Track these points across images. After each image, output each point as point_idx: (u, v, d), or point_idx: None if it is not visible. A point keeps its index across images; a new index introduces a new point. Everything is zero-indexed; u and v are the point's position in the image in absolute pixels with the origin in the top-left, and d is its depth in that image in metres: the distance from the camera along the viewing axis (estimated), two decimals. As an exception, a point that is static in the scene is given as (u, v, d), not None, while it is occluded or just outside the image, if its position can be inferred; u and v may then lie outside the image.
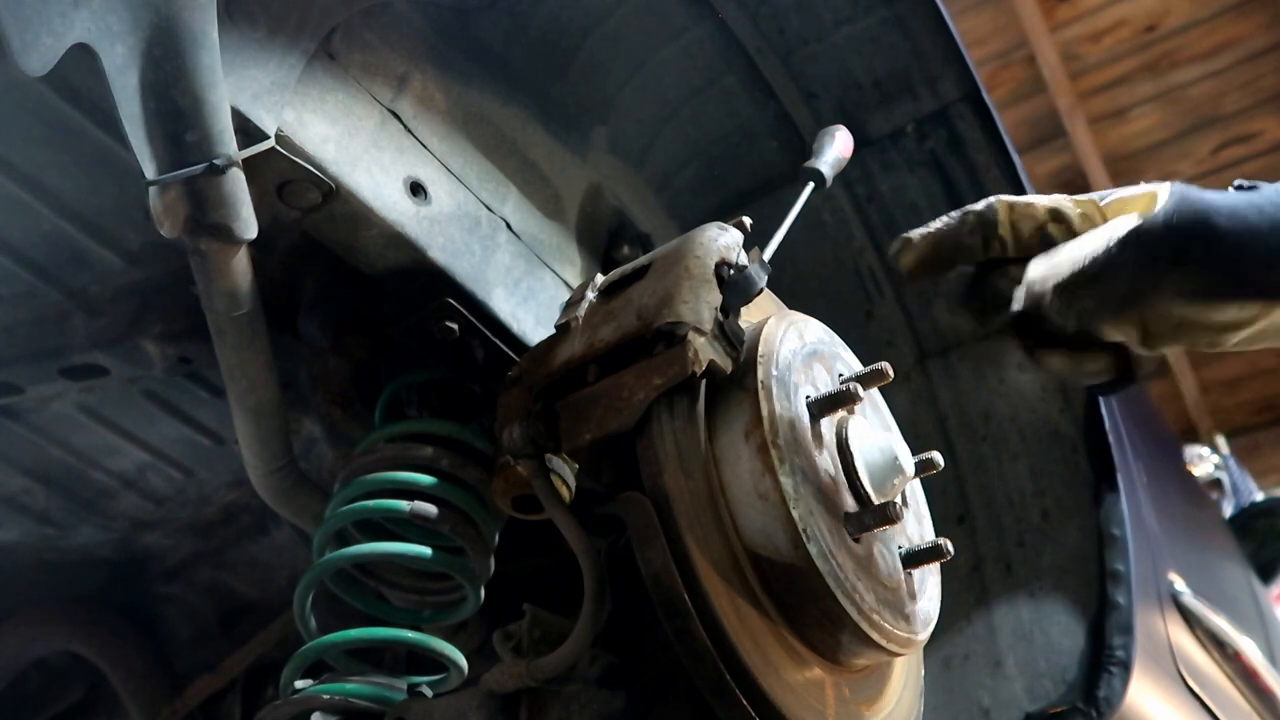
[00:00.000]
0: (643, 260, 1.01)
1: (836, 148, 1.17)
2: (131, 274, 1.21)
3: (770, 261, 1.00)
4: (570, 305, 1.02)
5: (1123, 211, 0.91)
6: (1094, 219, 0.94)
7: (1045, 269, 0.86)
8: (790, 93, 1.48)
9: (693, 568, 0.84)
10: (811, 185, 1.12)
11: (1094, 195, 0.95)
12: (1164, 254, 0.82)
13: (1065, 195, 0.96)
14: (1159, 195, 0.87)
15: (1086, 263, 0.84)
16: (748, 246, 1.01)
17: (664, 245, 1.02)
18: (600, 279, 1.04)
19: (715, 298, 0.92)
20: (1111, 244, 0.83)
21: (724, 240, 0.98)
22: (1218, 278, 0.82)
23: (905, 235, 0.96)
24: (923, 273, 0.96)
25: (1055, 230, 0.94)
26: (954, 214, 0.96)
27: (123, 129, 0.86)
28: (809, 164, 1.14)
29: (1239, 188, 0.88)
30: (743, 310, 0.97)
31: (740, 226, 1.02)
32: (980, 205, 0.96)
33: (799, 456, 0.89)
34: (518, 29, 1.26)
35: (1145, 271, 0.82)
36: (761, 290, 0.97)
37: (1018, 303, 0.89)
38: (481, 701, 1.00)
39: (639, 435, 0.89)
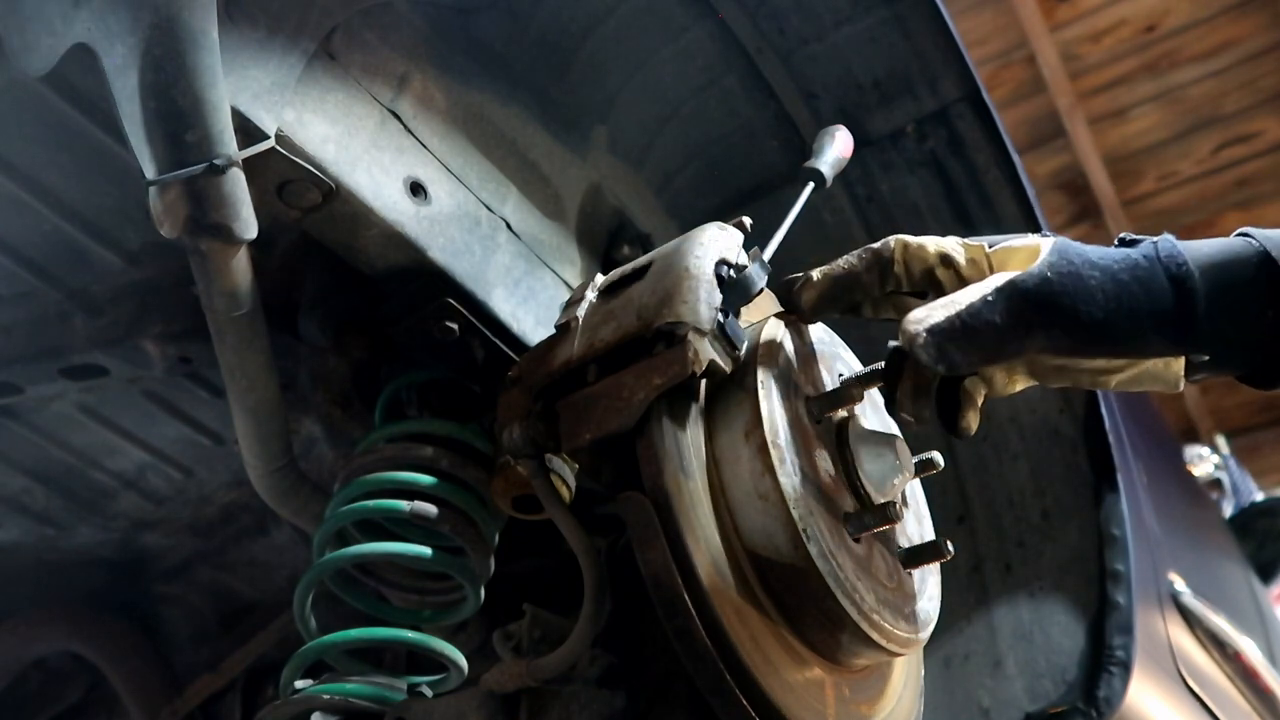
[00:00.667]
0: (642, 260, 1.01)
1: (836, 147, 1.17)
2: (131, 274, 1.21)
3: (770, 261, 1.01)
4: (570, 305, 1.02)
5: (1006, 263, 0.94)
6: (980, 266, 0.96)
7: (923, 313, 0.87)
8: (790, 93, 1.48)
9: (693, 568, 0.84)
10: (811, 185, 1.12)
11: (984, 241, 0.97)
12: (1031, 314, 0.85)
13: (957, 239, 0.98)
14: (1041, 249, 0.89)
15: (961, 312, 0.86)
16: (748, 246, 1.01)
17: (664, 245, 1.02)
18: (600, 279, 1.04)
19: (715, 297, 0.92)
20: (987, 297, 0.86)
21: (724, 240, 0.98)
22: (1082, 338, 0.85)
23: (806, 273, 0.98)
24: (823, 308, 0.99)
25: (943, 274, 0.97)
26: (854, 253, 0.99)
27: (123, 129, 0.86)
28: (809, 164, 1.14)
29: (1121, 242, 0.90)
30: (743, 310, 0.97)
31: (740, 226, 1.02)
32: (878, 244, 0.99)
33: (799, 456, 0.89)
34: (518, 29, 1.26)
35: (1015, 328, 0.85)
36: (762, 290, 0.97)
37: (896, 342, 0.91)
38: (481, 701, 1.00)
39: (639, 435, 0.89)
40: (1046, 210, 4.14)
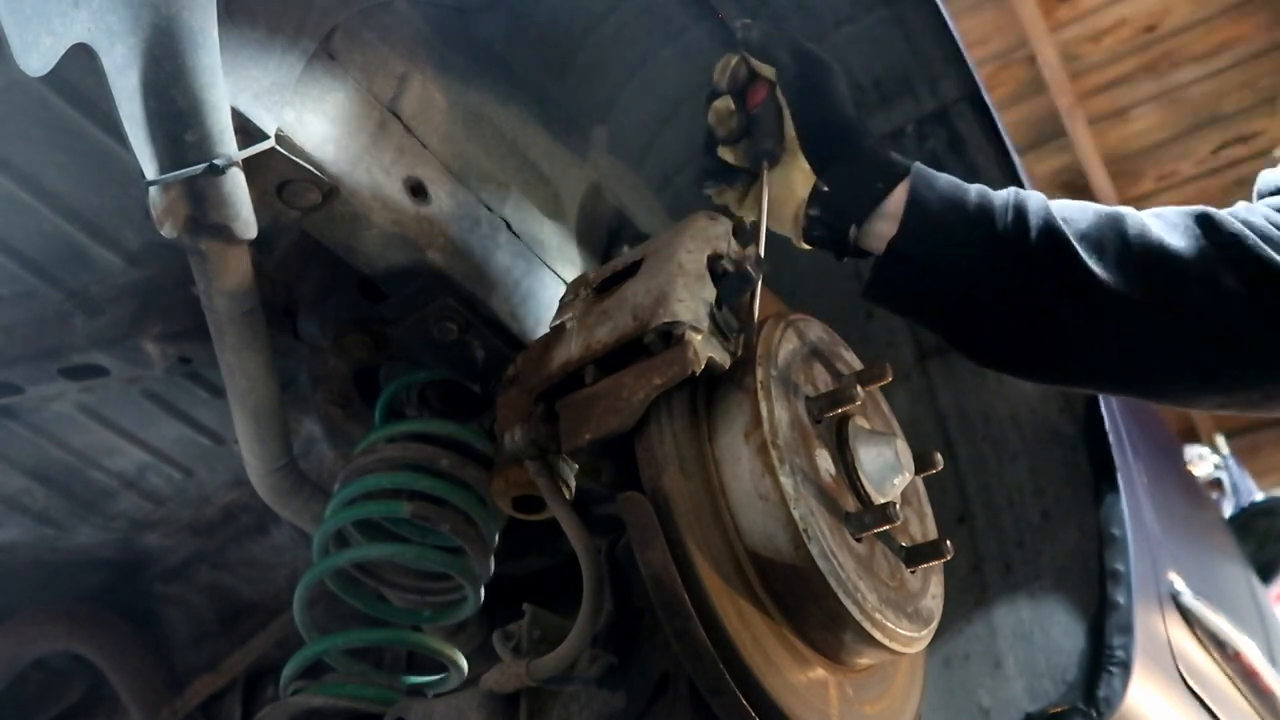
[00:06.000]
0: (634, 255, 1.01)
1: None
2: (131, 274, 1.21)
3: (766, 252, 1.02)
4: (564, 305, 1.02)
5: None
6: None
7: None
8: (790, 93, 1.48)
9: (693, 568, 0.83)
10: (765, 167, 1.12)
11: None
12: None
13: None
14: None
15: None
16: (745, 244, 1.01)
17: (654, 238, 1.02)
18: (593, 276, 1.03)
19: (710, 293, 0.92)
20: None
21: (714, 231, 0.98)
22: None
23: None
24: None
25: None
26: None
27: (123, 129, 0.86)
28: (757, 142, 1.13)
29: None
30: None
31: (740, 226, 1.02)
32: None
33: (799, 457, 0.89)
34: (518, 29, 1.26)
35: None
36: (757, 285, 0.97)
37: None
38: (481, 701, 1.00)
39: (638, 436, 0.89)
40: (1046, 210, 4.12)
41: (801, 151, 1.07)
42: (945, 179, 1.04)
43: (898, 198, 1.02)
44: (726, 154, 1.12)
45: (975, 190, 1.03)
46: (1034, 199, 1.02)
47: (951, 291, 1.01)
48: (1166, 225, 0.98)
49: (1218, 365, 0.98)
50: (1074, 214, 1.00)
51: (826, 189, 1.05)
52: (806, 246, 1.11)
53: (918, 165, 1.04)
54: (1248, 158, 4.64)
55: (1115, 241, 0.98)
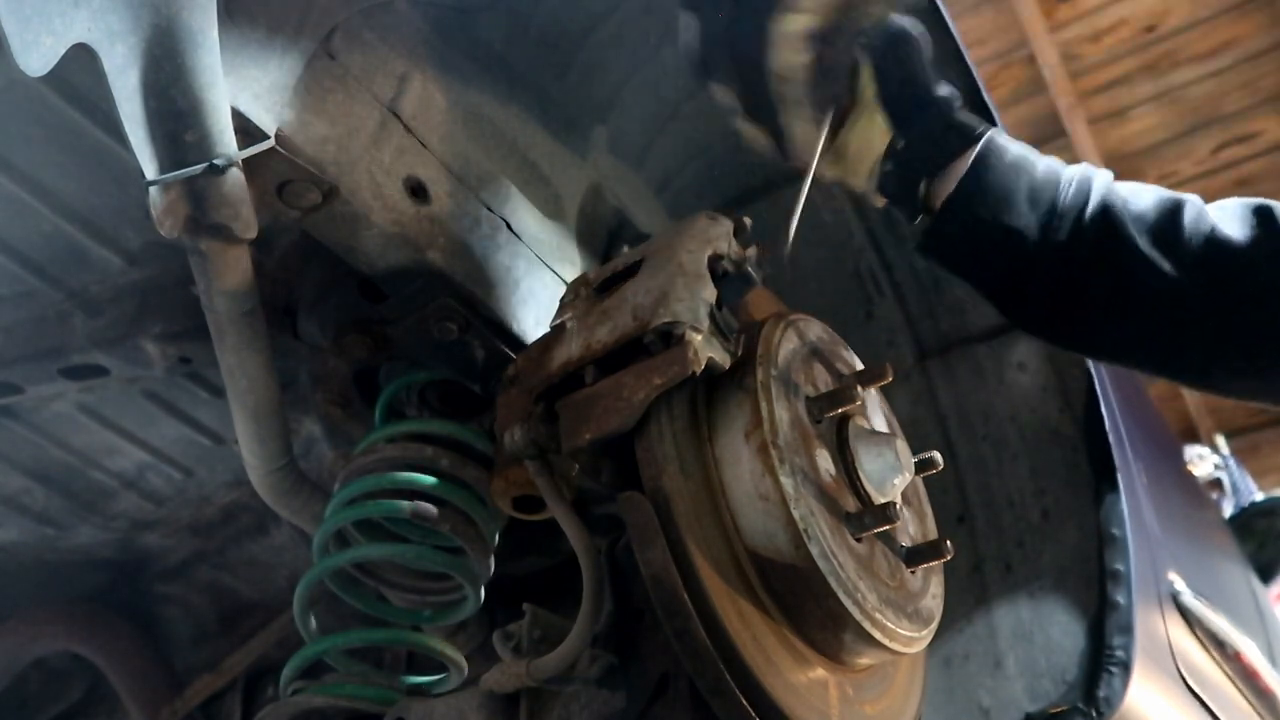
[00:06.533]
0: (634, 255, 1.01)
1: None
2: (131, 274, 1.21)
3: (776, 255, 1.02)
4: (564, 305, 1.02)
5: None
6: None
7: None
8: (790, 93, 1.48)
9: (693, 568, 0.84)
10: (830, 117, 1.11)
11: None
12: None
13: None
14: None
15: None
16: (745, 244, 1.01)
17: (654, 238, 1.02)
18: (593, 275, 1.03)
19: (710, 293, 0.92)
20: None
21: (714, 231, 0.98)
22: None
23: None
24: None
25: None
26: None
27: (123, 129, 0.86)
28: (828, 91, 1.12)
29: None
30: (744, 310, 0.97)
31: (740, 226, 1.02)
32: None
33: (799, 457, 0.89)
34: (518, 29, 1.26)
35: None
36: (757, 285, 0.97)
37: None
38: (481, 701, 1.00)
39: (638, 436, 0.89)
40: (1046, 210, 4.11)
41: (882, 108, 1.07)
42: (1018, 147, 1.06)
43: (968, 157, 1.04)
44: (788, 88, 1.06)
45: (1044, 163, 1.06)
46: (1100, 176, 1.04)
47: (1004, 252, 1.03)
48: (1225, 215, 1.00)
49: (1260, 356, 0.99)
50: (1135, 195, 1.02)
51: (902, 145, 1.06)
52: (881, 202, 1.13)
53: (995, 130, 1.06)
54: (1248, 158, 4.64)
55: (1170, 227, 0.99)
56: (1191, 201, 1.01)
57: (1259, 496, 4.17)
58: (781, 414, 0.90)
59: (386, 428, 1.18)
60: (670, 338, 0.89)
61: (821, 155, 1.10)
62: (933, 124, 1.06)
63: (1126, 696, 1.42)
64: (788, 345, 0.96)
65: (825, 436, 0.95)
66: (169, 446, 1.46)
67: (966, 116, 1.07)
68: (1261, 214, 0.99)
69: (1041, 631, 1.53)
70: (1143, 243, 0.99)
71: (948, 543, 0.95)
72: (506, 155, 1.24)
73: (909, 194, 1.08)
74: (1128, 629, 1.45)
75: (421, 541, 1.15)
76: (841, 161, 1.13)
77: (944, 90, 1.08)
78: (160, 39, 0.82)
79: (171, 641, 1.79)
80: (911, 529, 1.03)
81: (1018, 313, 1.09)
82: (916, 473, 1.00)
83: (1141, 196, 1.02)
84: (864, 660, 0.93)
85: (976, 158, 1.03)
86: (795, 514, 0.85)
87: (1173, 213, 1.00)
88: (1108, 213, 1.00)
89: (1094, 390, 1.55)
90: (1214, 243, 0.98)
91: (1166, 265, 0.98)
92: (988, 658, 1.56)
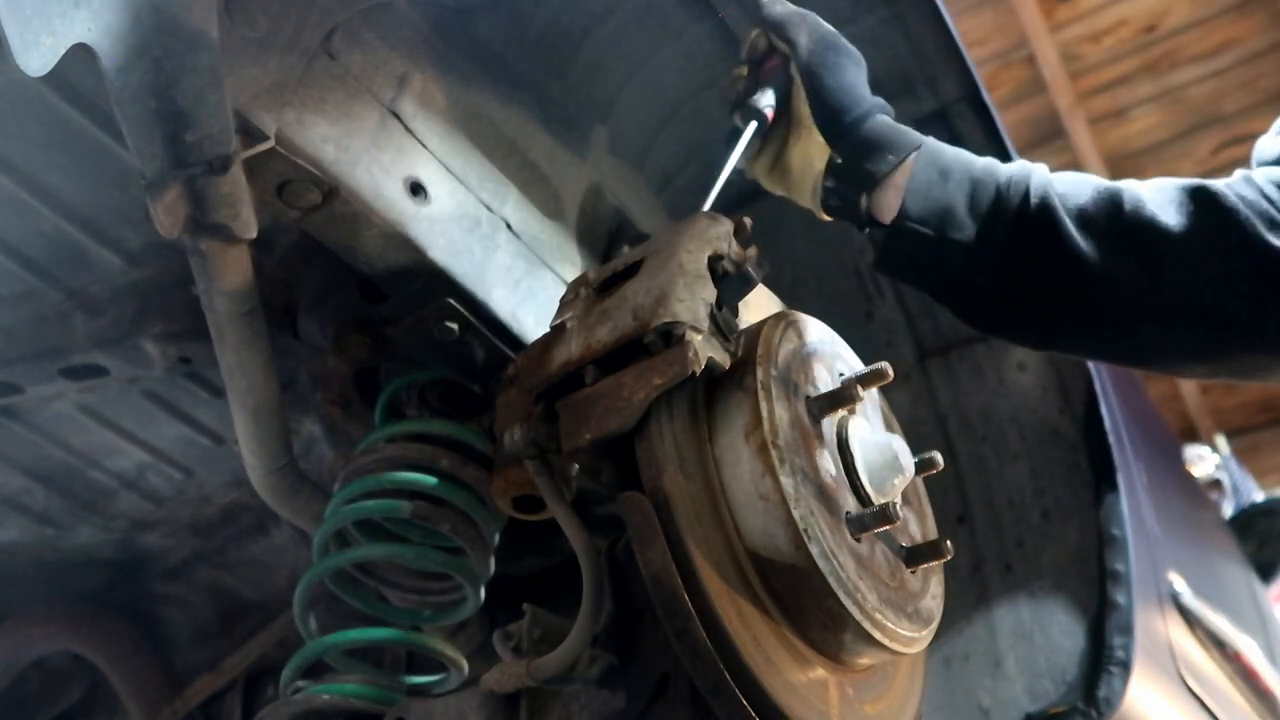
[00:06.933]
0: (634, 255, 1.01)
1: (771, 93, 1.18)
2: (131, 274, 1.21)
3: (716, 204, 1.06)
4: (564, 305, 1.02)
5: None
6: None
7: None
8: (790, 93, 1.48)
9: (693, 568, 0.83)
10: (754, 125, 1.13)
11: None
12: None
13: None
14: None
15: None
16: (745, 244, 1.01)
17: (654, 238, 1.02)
18: (593, 275, 1.03)
19: (710, 293, 0.92)
20: None
21: (714, 231, 0.98)
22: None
23: None
24: None
25: None
26: None
27: (123, 129, 0.86)
28: (751, 101, 1.14)
29: None
30: (743, 309, 0.97)
31: (740, 227, 1.02)
32: None
33: (799, 457, 0.89)
34: (518, 29, 1.26)
35: None
36: (757, 285, 0.97)
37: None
38: (481, 701, 1.00)
39: (638, 436, 0.89)
40: (1046, 210, 4.11)
41: (815, 125, 1.10)
42: (953, 153, 1.08)
43: (906, 170, 1.05)
44: (736, 118, 1.16)
45: (981, 164, 1.07)
46: (1038, 173, 1.05)
47: (952, 262, 1.05)
48: (1162, 201, 1.00)
49: (1203, 340, 1.00)
50: (1073, 189, 1.03)
51: (840, 160, 1.08)
52: (827, 218, 1.15)
53: (929, 139, 1.08)
54: (1248, 158, 4.63)
55: (1107, 217, 1.00)
56: (1129, 190, 1.02)
57: (1259, 496, 4.17)
58: (781, 414, 0.90)
59: (386, 428, 1.18)
60: (670, 338, 0.89)
61: (752, 165, 1.19)
62: (865, 138, 1.08)
63: (1126, 696, 1.42)
64: (788, 345, 0.96)
65: (825, 436, 0.95)
66: (169, 446, 1.46)
67: (898, 129, 1.09)
68: (1196, 196, 0.99)
69: (1041, 631, 1.53)
70: (1080, 237, 1.00)
71: (948, 543, 0.95)
72: (506, 155, 1.24)
73: (851, 209, 1.10)
74: (1128, 629, 1.45)
75: (421, 541, 1.15)
76: (786, 179, 1.18)
77: (875, 103, 1.10)
78: (160, 39, 0.82)
79: (171, 641, 1.79)
80: (911, 529, 1.03)
81: (973, 317, 1.10)
82: (916, 473, 1.00)
83: (1079, 189, 1.03)
84: (864, 660, 0.93)
85: (913, 175, 1.05)
86: (795, 514, 0.85)
87: (1110, 203, 1.01)
88: (1046, 210, 1.01)
89: (1094, 390, 1.55)
90: (1150, 229, 0.98)
91: (1105, 256, 0.99)
92: (988, 658, 1.56)
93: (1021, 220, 1.02)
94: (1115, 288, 0.99)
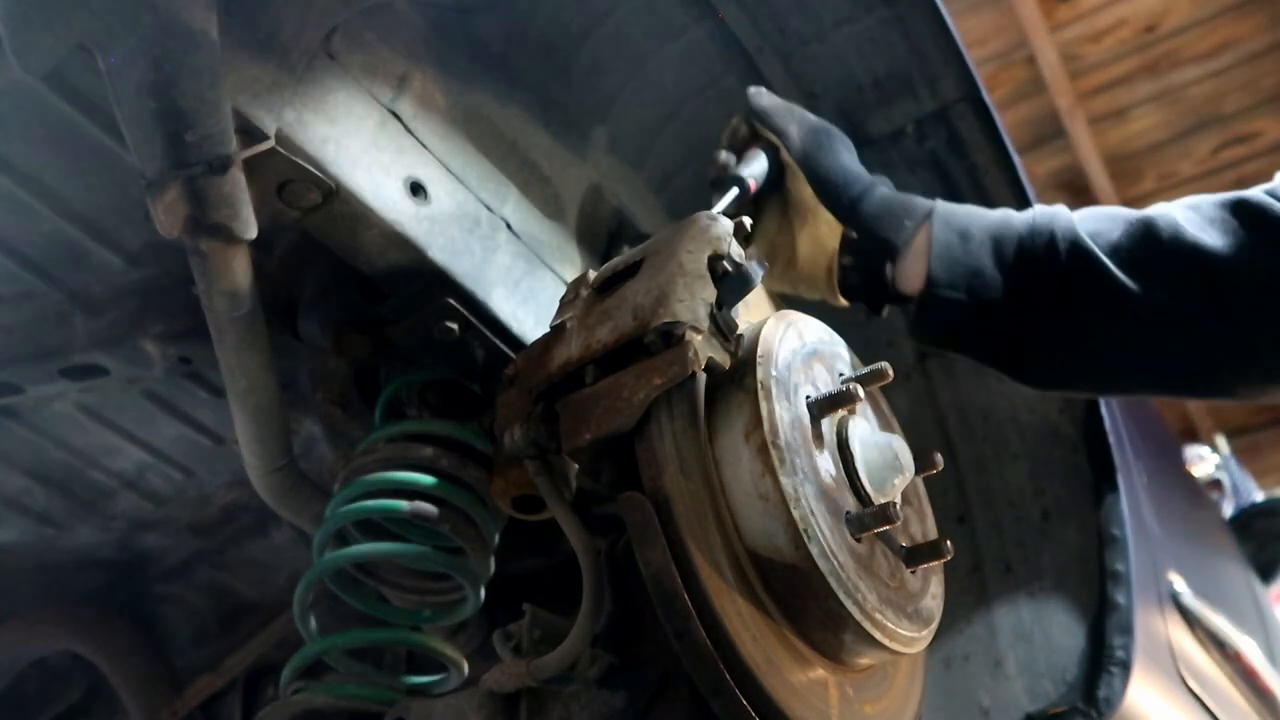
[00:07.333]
0: (634, 255, 1.01)
1: (758, 165, 1.19)
2: (131, 274, 1.21)
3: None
4: (564, 305, 1.02)
5: None
6: None
7: None
8: (790, 93, 1.48)
9: (693, 568, 0.83)
10: (735, 190, 1.14)
11: None
12: None
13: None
14: None
15: None
16: (745, 244, 1.01)
17: (654, 238, 1.02)
18: (593, 275, 1.03)
19: (710, 293, 0.92)
20: None
21: (714, 231, 0.98)
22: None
23: None
24: None
25: None
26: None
27: (123, 129, 0.86)
28: (733, 170, 1.16)
29: None
30: (743, 309, 0.97)
31: (740, 228, 1.02)
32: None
33: (799, 457, 0.89)
34: (518, 29, 1.26)
35: None
36: (757, 285, 0.97)
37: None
38: (481, 701, 1.00)
39: (638, 436, 0.89)
40: (1046, 210, 4.12)
41: (823, 205, 1.08)
42: (965, 211, 1.05)
43: (925, 234, 1.03)
44: (714, 195, 1.15)
45: (996, 218, 1.04)
46: (1060, 218, 1.01)
47: (992, 326, 1.01)
48: (1202, 222, 0.96)
49: (1269, 359, 0.96)
50: (1104, 226, 0.99)
51: (855, 235, 1.06)
52: (844, 302, 1.12)
53: (939, 202, 1.06)
54: (1248, 158, 4.64)
55: (1149, 251, 0.96)
56: (1163, 217, 0.98)
57: (1259, 496, 4.17)
58: (781, 414, 0.90)
59: (386, 428, 1.18)
60: (670, 338, 0.89)
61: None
62: (878, 209, 1.06)
63: (1126, 696, 1.42)
64: (788, 345, 0.96)
65: (825, 436, 0.95)
66: (169, 446, 1.46)
67: (907, 197, 1.07)
68: (1240, 211, 0.95)
69: (1041, 631, 1.53)
70: (1123, 275, 0.96)
71: (948, 543, 0.95)
72: (506, 155, 1.24)
73: (876, 281, 1.07)
74: (1128, 629, 1.45)
75: (421, 541, 1.15)
76: (793, 270, 1.14)
77: (877, 177, 1.09)
78: (160, 39, 0.82)
79: (171, 641, 1.79)
80: (911, 529, 1.03)
81: (1027, 377, 1.06)
82: (916, 473, 1.00)
83: (1109, 225, 0.99)
84: (864, 660, 0.93)
85: (933, 239, 1.02)
86: (795, 514, 0.85)
87: (1145, 234, 0.97)
88: (1081, 255, 0.97)
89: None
90: (1194, 254, 0.94)
91: (1154, 291, 0.95)
92: (988, 658, 1.56)
93: (1056, 269, 0.98)
94: (1171, 320, 0.95)
